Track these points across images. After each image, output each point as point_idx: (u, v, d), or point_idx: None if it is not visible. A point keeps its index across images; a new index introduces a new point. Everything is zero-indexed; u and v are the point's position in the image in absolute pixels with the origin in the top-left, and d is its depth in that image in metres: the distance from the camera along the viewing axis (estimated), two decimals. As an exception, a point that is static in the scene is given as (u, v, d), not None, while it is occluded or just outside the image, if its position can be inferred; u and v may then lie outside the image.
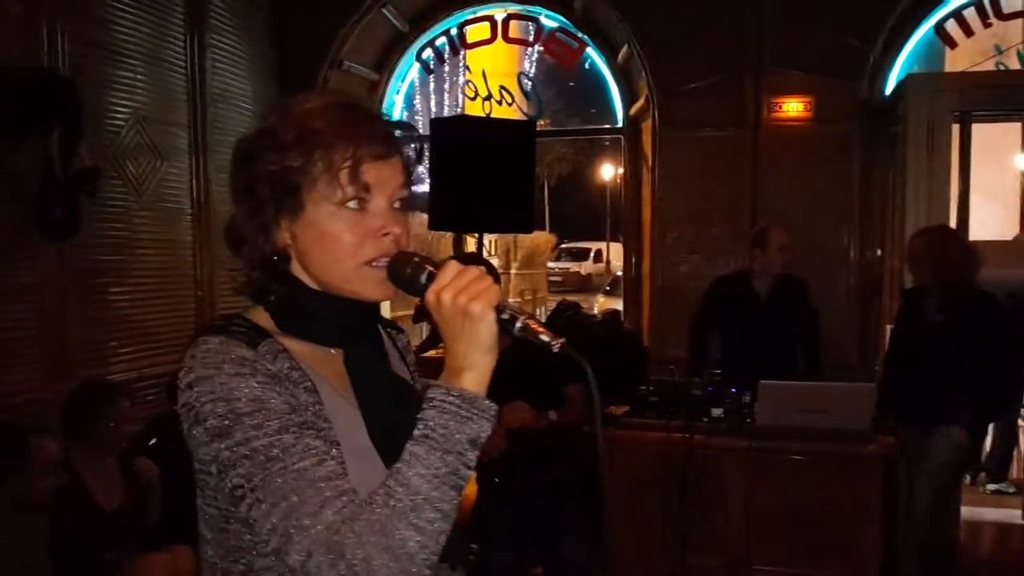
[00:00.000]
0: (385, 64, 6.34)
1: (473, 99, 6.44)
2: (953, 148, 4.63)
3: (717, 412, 3.72)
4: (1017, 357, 3.59)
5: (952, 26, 5.36)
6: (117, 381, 3.70)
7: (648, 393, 3.90)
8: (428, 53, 6.35)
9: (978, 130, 4.71)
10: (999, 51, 5.61)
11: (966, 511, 4.10)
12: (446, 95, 6.76)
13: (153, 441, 3.70)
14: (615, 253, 22.69)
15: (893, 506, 3.78)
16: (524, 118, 6.28)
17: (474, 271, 1.03)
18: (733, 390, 3.76)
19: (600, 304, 14.86)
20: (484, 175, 4.37)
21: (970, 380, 3.53)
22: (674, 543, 3.53)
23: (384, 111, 1.18)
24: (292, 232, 1.09)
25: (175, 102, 4.75)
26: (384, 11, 5.89)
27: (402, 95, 6.53)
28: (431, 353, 6.11)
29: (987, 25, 5.37)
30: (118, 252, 4.32)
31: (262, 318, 1.13)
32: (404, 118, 6.54)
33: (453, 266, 1.04)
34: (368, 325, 1.21)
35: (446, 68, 6.59)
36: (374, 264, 1.08)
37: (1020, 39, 5.72)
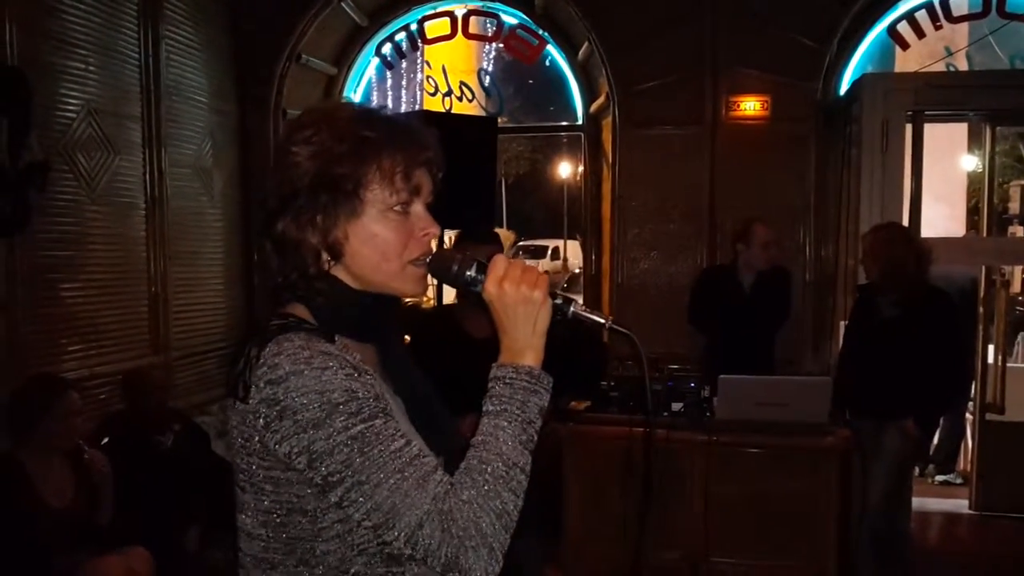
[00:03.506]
0: (344, 59, 6.27)
1: (433, 95, 6.41)
2: (906, 147, 4.72)
3: (677, 407, 3.75)
4: (966, 351, 3.69)
5: (904, 27, 5.47)
6: (67, 378, 3.60)
7: (609, 388, 3.92)
8: (388, 48, 6.30)
9: (926, 131, 4.82)
10: (949, 53, 5.76)
11: (915, 502, 4.19)
12: (404, 91, 6.71)
13: (106, 440, 3.62)
14: (572, 251, 22.78)
15: (849, 498, 3.85)
16: (484, 115, 6.26)
17: (521, 262, 1.16)
18: (692, 384, 3.80)
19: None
20: (444, 171, 4.33)
21: (922, 374, 3.60)
22: (634, 536, 3.55)
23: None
24: (346, 232, 1.15)
25: (128, 94, 4.64)
26: (343, 5, 5.82)
27: (360, 90, 6.47)
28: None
29: (938, 27, 5.50)
30: (69, 247, 4.20)
31: (304, 316, 1.18)
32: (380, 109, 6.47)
33: (503, 259, 1.16)
34: (394, 323, 1.30)
35: (405, 64, 6.54)
36: (416, 262, 1.18)
37: (968, 42, 5.88)
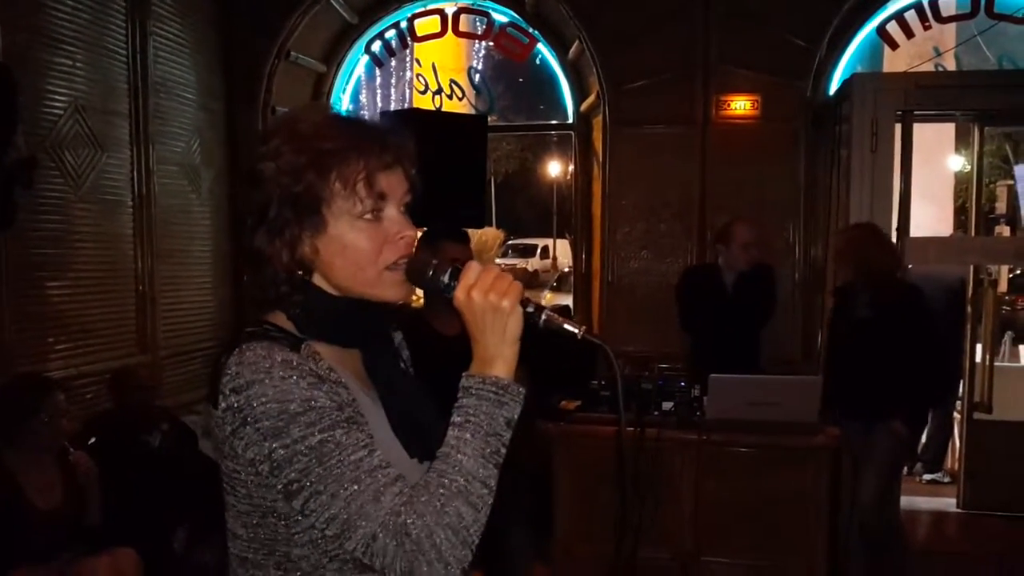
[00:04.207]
0: (333, 56, 6.25)
1: (423, 93, 6.39)
2: (895, 147, 4.74)
3: (668, 406, 3.75)
4: (947, 346, 3.71)
5: (894, 28, 5.50)
6: (53, 377, 3.57)
7: (599, 388, 3.91)
8: (377, 46, 6.28)
9: (915, 131, 4.84)
10: (938, 53, 5.78)
11: (903, 500, 4.19)
12: (393, 89, 6.69)
13: (93, 440, 3.59)
14: (561, 249, 22.79)
15: (839, 496, 3.85)
16: (474, 113, 6.25)
17: (494, 270, 1.14)
18: (682, 384, 3.80)
19: (547, 300, 14.91)
20: (434, 169, 4.31)
21: (903, 373, 3.61)
22: (624, 536, 3.55)
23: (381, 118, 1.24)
24: (314, 247, 1.15)
25: (115, 91, 4.60)
26: (333, 2, 5.80)
27: (350, 88, 6.45)
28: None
29: (926, 27, 5.53)
30: (55, 245, 4.17)
31: (285, 324, 1.18)
32: (351, 111, 6.45)
33: (476, 266, 1.14)
34: (381, 325, 1.29)
35: (395, 61, 6.52)
36: (393, 267, 1.17)
37: (956, 42, 5.90)
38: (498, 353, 1.13)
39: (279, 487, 1.08)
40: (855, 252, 3.78)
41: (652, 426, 3.58)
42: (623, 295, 5.46)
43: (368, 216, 1.15)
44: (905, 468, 5.11)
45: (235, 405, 1.08)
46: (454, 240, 3.21)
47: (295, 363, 1.10)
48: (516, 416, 1.13)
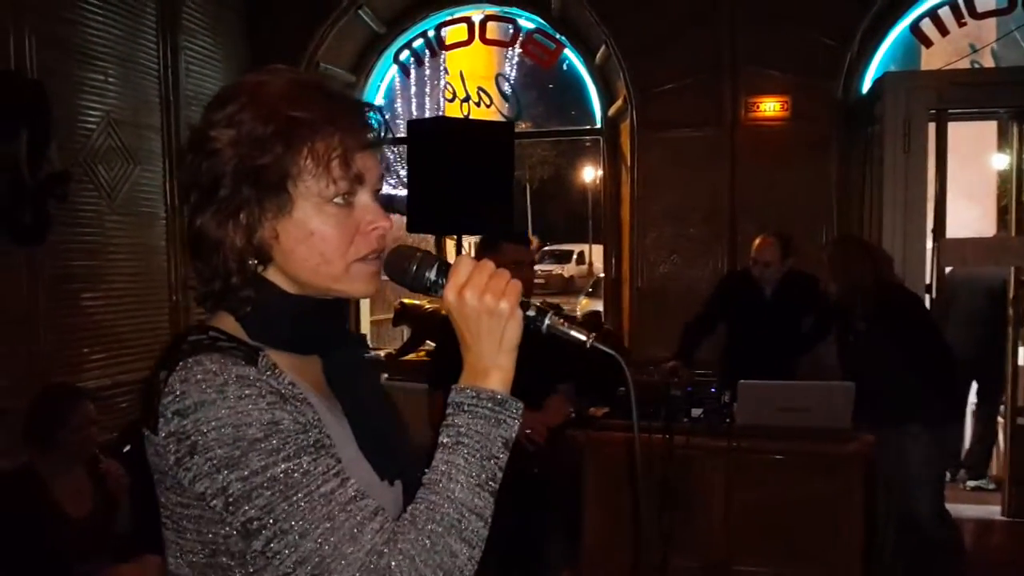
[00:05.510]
0: (362, 66, 6.30)
1: (451, 101, 6.41)
2: (930, 147, 4.64)
3: (697, 412, 3.70)
4: (943, 344, 3.67)
5: (927, 25, 5.38)
6: (86, 387, 3.64)
7: (628, 395, 3.87)
8: (406, 55, 6.31)
9: (954, 130, 4.73)
10: (974, 50, 5.65)
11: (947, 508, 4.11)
12: (427, 98, 6.71)
13: (127, 448, 3.64)
14: (597, 255, 22.69)
15: (874, 505, 3.77)
16: (503, 120, 6.25)
17: (489, 266, 0.98)
18: (713, 390, 3.75)
19: (583, 306, 14.86)
20: (463, 177, 4.33)
21: (912, 377, 3.56)
22: (654, 544, 3.50)
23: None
24: (274, 231, 0.99)
25: (147, 105, 4.69)
26: (360, 12, 5.85)
27: (380, 97, 6.49)
28: (411, 356, 6.07)
29: (962, 24, 5.40)
30: (90, 257, 4.25)
31: (232, 328, 1.02)
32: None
33: (467, 261, 0.99)
34: (342, 329, 1.14)
35: (426, 70, 6.55)
36: (364, 260, 1.03)
37: (994, 38, 5.76)
38: (493, 363, 0.98)
39: (236, 525, 0.92)
40: (836, 268, 3.79)
41: (681, 433, 3.54)
42: (652, 300, 5.41)
43: (339, 200, 0.99)
44: (948, 474, 5.00)
45: (181, 430, 0.92)
46: (514, 242, 3.18)
47: (252, 379, 0.94)
48: (514, 436, 0.98)
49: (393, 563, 0.89)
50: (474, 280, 0.97)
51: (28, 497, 2.88)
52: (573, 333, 0.99)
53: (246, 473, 0.90)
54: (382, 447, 1.06)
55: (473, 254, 3.45)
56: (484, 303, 0.97)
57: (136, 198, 4.58)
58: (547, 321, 1.00)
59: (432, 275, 1.01)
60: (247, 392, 0.92)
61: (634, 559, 3.51)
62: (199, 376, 0.92)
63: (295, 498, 0.90)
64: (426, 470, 0.97)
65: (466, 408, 0.97)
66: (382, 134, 1.05)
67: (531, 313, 0.99)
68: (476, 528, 0.94)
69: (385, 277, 1.06)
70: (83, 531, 2.94)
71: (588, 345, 0.99)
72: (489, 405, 0.97)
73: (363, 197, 1.02)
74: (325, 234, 0.99)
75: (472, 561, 0.93)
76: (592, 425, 3.76)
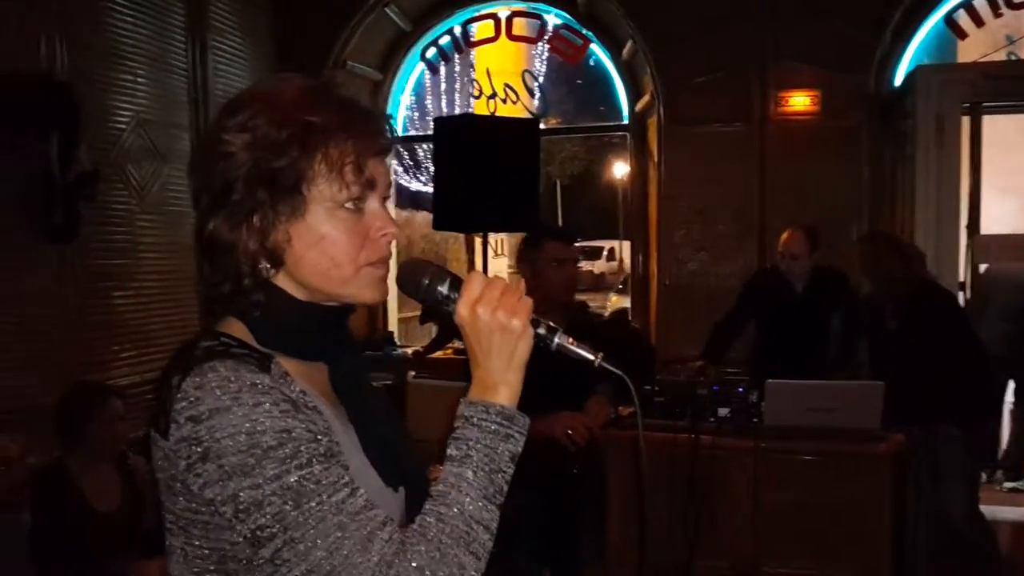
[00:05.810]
0: (389, 64, 6.32)
1: (478, 97, 6.40)
2: (964, 141, 4.55)
3: (724, 412, 3.66)
4: (975, 342, 3.61)
5: (962, 17, 5.28)
6: (116, 384, 3.68)
7: (654, 393, 3.84)
8: (433, 52, 6.32)
9: (991, 123, 4.63)
10: (1011, 41, 5.52)
11: (983, 510, 4.04)
12: (457, 94, 6.71)
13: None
14: (627, 251, 22.61)
15: (904, 505, 3.71)
16: (529, 116, 6.24)
17: (501, 282, 1.01)
18: (740, 389, 3.71)
19: (613, 302, 14.80)
20: (489, 174, 4.32)
21: (945, 376, 3.51)
22: (680, 545, 3.48)
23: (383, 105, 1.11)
24: (288, 234, 1.00)
25: (177, 104, 4.74)
26: (387, 10, 5.87)
27: (407, 94, 6.50)
28: (438, 354, 6.08)
29: (998, 15, 5.29)
30: (121, 256, 4.31)
31: (241, 334, 1.02)
32: (410, 118, 6.52)
33: (480, 277, 1.01)
34: (346, 335, 1.15)
35: (456, 66, 6.55)
36: (372, 266, 1.04)
37: (1032, 29, 5.64)
38: (503, 379, 1.00)
39: (245, 532, 0.93)
40: (867, 265, 3.75)
41: (707, 433, 3.50)
42: (680, 297, 5.37)
43: (349, 205, 1.01)
44: (984, 475, 4.91)
45: (194, 436, 0.92)
46: (557, 239, 3.14)
47: (266, 387, 0.94)
48: (520, 450, 1.00)
49: (402, 573, 0.90)
50: (486, 296, 0.99)
51: (57, 492, 2.93)
52: (582, 352, 1.02)
53: (259, 481, 0.91)
54: (388, 455, 1.07)
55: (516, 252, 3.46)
56: (496, 320, 0.99)
57: (166, 197, 4.63)
58: (557, 340, 1.03)
59: (444, 289, 1.03)
60: (261, 400, 0.93)
61: (659, 559, 3.49)
62: (214, 383, 0.93)
63: (307, 507, 0.91)
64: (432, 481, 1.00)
65: (475, 422, 0.99)
66: (391, 144, 1.07)
67: (541, 331, 1.02)
68: (483, 541, 0.96)
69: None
70: (111, 526, 2.98)
71: (596, 364, 1.02)
72: (498, 420, 0.99)
73: (373, 203, 1.04)
74: (336, 238, 1.01)
75: (478, 573, 0.95)
76: (616, 424, 3.74)
